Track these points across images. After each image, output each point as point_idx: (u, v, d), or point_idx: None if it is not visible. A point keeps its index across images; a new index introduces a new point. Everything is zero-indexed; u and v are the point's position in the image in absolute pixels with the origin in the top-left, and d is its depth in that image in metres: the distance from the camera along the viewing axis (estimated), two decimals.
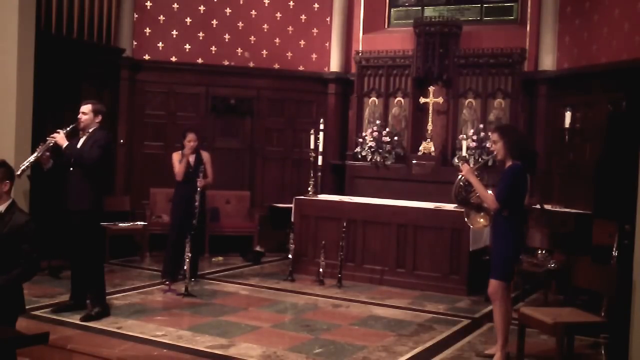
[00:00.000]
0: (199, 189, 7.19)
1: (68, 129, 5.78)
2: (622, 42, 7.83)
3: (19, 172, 5.41)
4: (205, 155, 7.59)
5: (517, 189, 4.86)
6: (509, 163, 4.93)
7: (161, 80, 9.68)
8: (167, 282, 7.01)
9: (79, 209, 5.69)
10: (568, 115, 8.20)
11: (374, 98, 9.94)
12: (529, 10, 9.39)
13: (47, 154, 5.63)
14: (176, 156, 7.47)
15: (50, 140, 5.65)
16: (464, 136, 9.04)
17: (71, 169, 5.74)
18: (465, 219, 5.52)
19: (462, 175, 5.21)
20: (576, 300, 5.69)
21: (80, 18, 8.61)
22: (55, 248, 6.78)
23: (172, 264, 7.27)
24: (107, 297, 6.22)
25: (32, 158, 5.55)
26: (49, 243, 5.79)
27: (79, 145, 5.77)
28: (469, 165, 6.04)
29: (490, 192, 5.04)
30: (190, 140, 7.39)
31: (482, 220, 5.45)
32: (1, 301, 4.16)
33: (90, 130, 5.83)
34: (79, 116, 5.84)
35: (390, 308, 6.61)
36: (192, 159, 7.39)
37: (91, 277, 5.83)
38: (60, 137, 5.69)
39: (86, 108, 5.85)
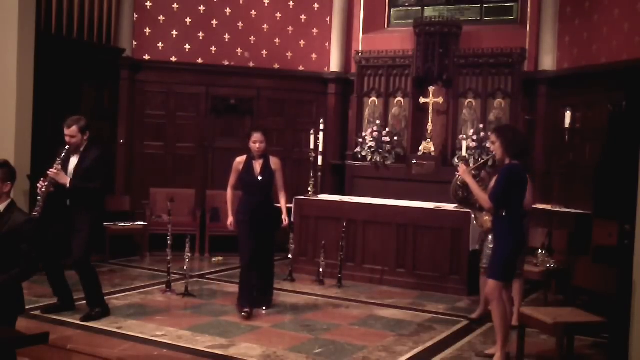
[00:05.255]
0: None
1: (62, 158, 5.61)
2: (622, 42, 7.83)
3: (34, 214, 5.35)
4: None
5: (513, 189, 4.85)
6: (507, 163, 4.93)
7: (161, 80, 9.68)
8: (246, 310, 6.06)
9: (80, 218, 5.67)
10: (568, 115, 8.20)
11: (374, 98, 9.93)
12: (529, 10, 9.38)
13: (52, 189, 5.53)
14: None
15: (51, 179, 5.51)
16: (464, 136, 9.04)
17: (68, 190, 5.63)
18: (474, 222, 5.54)
19: (459, 176, 5.25)
20: (576, 300, 5.69)
21: (80, 18, 8.62)
22: (44, 251, 6.75)
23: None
24: (107, 297, 6.23)
25: (41, 200, 5.42)
26: (49, 243, 5.77)
27: (72, 166, 5.66)
28: (469, 165, 6.06)
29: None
30: (256, 140, 6.13)
31: (487, 217, 5.47)
32: (1, 301, 4.16)
33: (82, 149, 5.72)
34: (67, 140, 5.65)
35: (390, 308, 6.62)
36: (259, 165, 6.18)
37: (83, 280, 5.79)
38: (61, 177, 5.55)
39: (72, 131, 5.65)
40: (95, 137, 6.07)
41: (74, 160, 5.71)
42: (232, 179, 6.26)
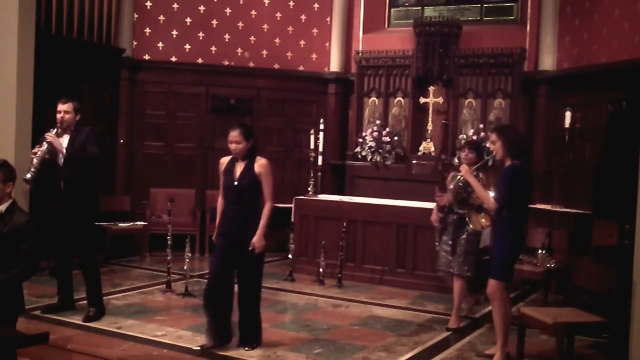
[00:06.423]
0: None
1: (55, 131, 5.62)
2: (622, 42, 7.83)
3: (28, 177, 5.38)
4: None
5: (516, 189, 4.85)
6: (508, 163, 4.93)
7: (161, 80, 9.68)
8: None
9: (74, 209, 5.64)
10: (568, 115, 8.21)
11: (374, 98, 9.94)
12: (529, 10, 9.38)
13: (47, 156, 5.54)
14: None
15: (47, 144, 5.52)
16: (464, 136, 9.05)
17: (60, 169, 5.63)
18: (467, 220, 5.53)
19: (461, 176, 5.23)
20: (576, 300, 5.69)
21: (80, 18, 8.62)
22: (55, 248, 6.78)
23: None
24: (107, 297, 6.24)
25: (36, 163, 5.43)
26: (49, 243, 5.77)
27: (65, 145, 5.65)
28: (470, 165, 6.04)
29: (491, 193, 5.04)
30: (231, 140, 5.05)
31: (483, 220, 5.46)
32: (1, 301, 4.16)
33: (72, 129, 5.72)
34: (60, 116, 5.67)
35: (390, 308, 6.62)
36: (240, 167, 5.08)
37: (87, 278, 5.81)
38: (58, 143, 5.56)
39: (67, 107, 5.70)
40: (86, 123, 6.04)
41: (65, 141, 5.68)
42: (222, 185, 5.17)
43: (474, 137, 8.78)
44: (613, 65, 7.82)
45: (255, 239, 4.93)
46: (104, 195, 8.69)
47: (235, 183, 5.00)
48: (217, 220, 5.19)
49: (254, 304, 5.11)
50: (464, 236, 5.79)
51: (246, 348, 5.04)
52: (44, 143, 5.54)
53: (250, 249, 4.91)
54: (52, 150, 5.56)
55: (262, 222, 4.98)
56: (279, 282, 7.61)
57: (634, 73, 6.94)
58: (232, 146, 5.01)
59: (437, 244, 6.15)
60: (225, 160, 5.15)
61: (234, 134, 5.00)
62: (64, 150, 5.58)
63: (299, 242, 8.07)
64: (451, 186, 5.69)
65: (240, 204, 5.00)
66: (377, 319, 6.18)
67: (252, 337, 5.12)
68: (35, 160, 5.46)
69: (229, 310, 5.07)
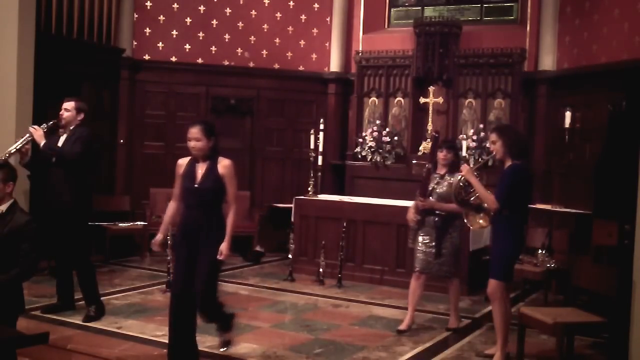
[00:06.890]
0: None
1: (49, 124, 5.69)
2: (622, 42, 7.83)
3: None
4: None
5: (516, 189, 4.86)
6: (508, 163, 4.93)
7: (161, 80, 9.68)
8: None
9: (62, 208, 5.63)
10: (568, 115, 8.21)
11: (374, 98, 9.94)
12: (529, 10, 9.39)
13: (27, 146, 5.57)
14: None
15: (29, 135, 5.58)
16: (464, 136, 9.05)
17: (52, 166, 5.65)
18: (464, 220, 5.53)
19: (462, 176, 5.23)
20: (576, 300, 5.69)
21: (80, 18, 8.62)
22: (55, 248, 6.78)
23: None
24: (107, 297, 6.24)
25: (11, 149, 5.49)
26: (49, 243, 5.77)
27: (60, 143, 5.69)
28: (469, 165, 6.05)
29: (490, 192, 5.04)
30: (190, 138, 4.62)
31: (481, 221, 5.45)
32: (1, 301, 4.16)
33: (72, 128, 5.76)
34: (60, 112, 5.75)
35: (390, 308, 6.62)
36: (202, 168, 4.64)
37: (81, 277, 5.81)
38: (38, 135, 5.59)
39: (69, 105, 5.76)
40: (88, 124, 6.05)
41: (63, 139, 5.74)
42: (176, 188, 4.72)
43: (435, 134, 8.76)
44: (613, 65, 7.82)
45: (224, 247, 4.51)
46: (104, 195, 8.70)
47: (196, 185, 4.56)
48: (163, 225, 4.76)
49: (214, 299, 4.69)
50: (449, 237, 5.79)
51: (222, 349, 4.88)
52: (27, 134, 5.63)
53: (219, 257, 4.50)
54: (33, 141, 5.62)
55: (229, 228, 4.59)
56: (279, 282, 7.61)
57: (634, 73, 6.93)
58: (192, 144, 4.58)
59: (410, 240, 6.10)
60: (183, 162, 4.71)
61: (194, 131, 4.56)
62: (42, 144, 5.60)
63: (299, 242, 8.07)
64: (430, 186, 5.79)
65: (201, 208, 4.55)
66: (377, 319, 6.18)
67: (222, 325, 4.82)
68: (10, 148, 5.53)
69: (194, 327, 4.67)
